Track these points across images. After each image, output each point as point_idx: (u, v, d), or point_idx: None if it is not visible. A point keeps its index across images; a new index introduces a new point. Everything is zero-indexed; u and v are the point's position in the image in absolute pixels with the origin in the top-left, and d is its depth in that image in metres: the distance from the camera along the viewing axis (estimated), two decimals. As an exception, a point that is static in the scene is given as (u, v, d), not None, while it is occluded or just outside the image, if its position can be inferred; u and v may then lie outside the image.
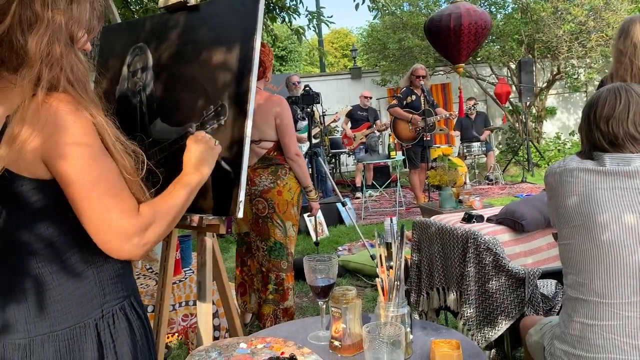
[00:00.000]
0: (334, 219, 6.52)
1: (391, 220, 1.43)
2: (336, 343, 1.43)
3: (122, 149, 1.12)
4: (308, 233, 5.95)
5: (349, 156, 9.97)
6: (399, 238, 1.39)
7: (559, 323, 1.69)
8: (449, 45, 5.82)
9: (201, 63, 1.69)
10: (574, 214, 1.57)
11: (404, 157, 7.01)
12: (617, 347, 1.46)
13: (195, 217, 1.55)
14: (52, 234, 1.05)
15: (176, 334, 2.24)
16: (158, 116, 1.79)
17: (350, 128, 8.74)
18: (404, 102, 6.60)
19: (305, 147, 6.56)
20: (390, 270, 1.39)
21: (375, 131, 8.47)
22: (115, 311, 1.12)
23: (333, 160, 10.19)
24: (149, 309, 2.11)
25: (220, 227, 1.55)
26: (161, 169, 1.44)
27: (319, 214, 6.10)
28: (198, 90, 1.68)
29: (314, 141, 6.87)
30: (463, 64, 6.19)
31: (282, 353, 1.41)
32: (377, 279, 1.40)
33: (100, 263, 1.11)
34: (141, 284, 2.20)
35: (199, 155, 1.35)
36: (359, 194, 8.31)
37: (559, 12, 10.19)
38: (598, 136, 1.58)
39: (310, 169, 4.28)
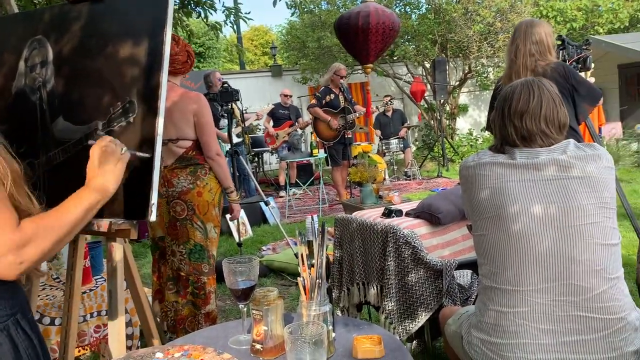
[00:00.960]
0: (258, 218, 6.45)
1: (312, 218, 1.41)
2: (258, 346, 1.39)
3: (3, 150, 1.02)
4: (231, 234, 5.83)
5: (272, 155, 9.91)
6: (320, 236, 1.37)
7: (475, 312, 1.74)
8: (358, 44, 5.87)
9: (107, 57, 1.59)
10: (487, 205, 1.62)
11: (326, 155, 7.07)
12: (528, 332, 1.52)
13: (104, 223, 1.45)
14: None
15: (88, 347, 2.10)
16: (60, 114, 1.66)
17: (273, 126, 8.68)
18: (323, 101, 6.65)
19: (227, 146, 6.42)
20: (312, 268, 1.36)
21: (298, 129, 8.47)
22: None
23: (256, 159, 10.09)
24: (57, 321, 1.96)
25: (131, 231, 1.46)
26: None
27: (242, 213, 6.01)
28: (104, 86, 1.58)
29: (235, 140, 6.75)
30: (371, 64, 6.28)
31: (201, 360, 1.35)
32: (298, 277, 1.38)
33: None
34: (47, 295, 2.04)
35: (106, 168, 1.24)
36: (282, 193, 8.29)
37: (469, 14, 10.68)
38: (511, 131, 1.64)
39: (231, 169, 4.18)
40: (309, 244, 1.39)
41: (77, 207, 1.13)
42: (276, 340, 1.38)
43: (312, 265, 1.36)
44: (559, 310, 1.52)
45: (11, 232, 0.96)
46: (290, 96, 8.96)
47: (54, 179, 1.59)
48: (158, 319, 3.04)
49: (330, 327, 1.37)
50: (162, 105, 1.47)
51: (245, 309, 1.49)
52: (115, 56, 1.57)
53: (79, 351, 2.13)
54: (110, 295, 1.51)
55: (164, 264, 2.98)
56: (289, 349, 1.24)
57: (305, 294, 1.36)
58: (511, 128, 1.65)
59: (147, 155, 1.45)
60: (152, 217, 1.43)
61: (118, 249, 1.52)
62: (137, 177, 1.47)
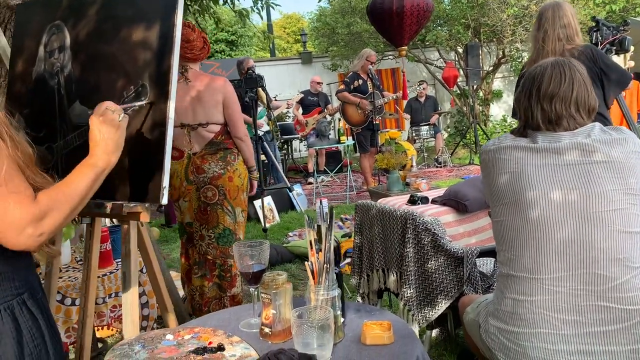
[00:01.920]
0: (286, 205, 6.47)
1: (320, 202, 1.39)
2: (266, 330, 1.39)
3: (15, 134, 1.04)
4: (258, 220, 5.88)
5: (301, 142, 9.91)
6: (328, 220, 1.35)
7: (492, 300, 1.70)
8: (392, 28, 5.80)
9: (121, 41, 1.59)
10: (505, 191, 1.57)
11: (354, 142, 7.04)
12: (547, 322, 1.48)
13: (116, 205, 1.46)
14: None
15: (106, 327, 2.15)
16: (77, 98, 1.68)
17: (302, 114, 8.67)
18: (351, 87, 6.67)
19: (261, 132, 6.45)
20: (320, 252, 1.35)
21: (327, 116, 8.44)
22: None
23: (285, 146, 10.11)
24: (77, 302, 2.01)
25: (144, 214, 1.47)
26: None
27: (270, 200, 6.04)
28: (118, 70, 1.59)
29: (266, 128, 6.76)
30: (406, 47, 6.20)
31: (210, 343, 1.36)
32: (306, 262, 1.36)
33: None
34: (69, 277, 2.09)
35: (106, 137, 1.24)
36: (311, 180, 8.29)
37: (503, -3, 10.40)
38: (537, 114, 1.57)
39: (255, 154, 4.21)
40: (318, 229, 1.38)
41: (84, 178, 1.15)
42: (285, 324, 1.38)
43: (320, 250, 1.34)
44: (579, 299, 1.46)
45: (29, 206, 1.00)
46: (321, 83, 8.91)
47: (71, 162, 1.61)
48: (185, 302, 3.10)
49: (339, 312, 1.35)
50: (173, 88, 1.47)
51: (255, 293, 1.49)
52: (129, 40, 1.57)
53: (98, 331, 2.18)
54: (124, 277, 1.53)
55: (192, 249, 3.04)
56: (295, 332, 1.23)
57: (314, 279, 1.35)
58: (538, 111, 1.57)
59: (142, 102, 1.47)
60: (163, 200, 1.44)
61: (132, 232, 1.54)
62: (149, 160, 1.47)
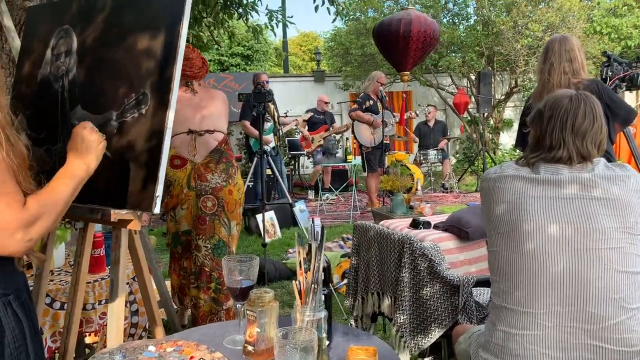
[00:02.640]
0: (288, 221, 6.45)
1: (313, 221, 1.38)
2: (250, 348, 1.36)
3: (13, 136, 1.05)
4: (260, 234, 5.85)
5: (308, 158, 9.91)
6: (319, 240, 1.33)
7: (484, 331, 1.67)
8: (397, 52, 5.82)
9: (126, 49, 1.60)
10: (502, 221, 1.55)
11: (360, 162, 7.08)
12: (536, 358, 1.44)
13: (107, 212, 1.45)
14: None
15: (93, 333, 2.13)
16: (79, 103, 1.69)
17: (308, 130, 8.69)
18: (363, 107, 6.82)
19: (268, 148, 6.47)
20: (309, 272, 1.33)
21: (334, 134, 8.46)
22: None
23: (292, 162, 10.11)
24: (66, 306, 1.99)
25: (134, 222, 1.46)
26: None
27: (272, 214, 6.03)
28: (121, 77, 1.59)
29: (273, 144, 6.79)
30: (408, 73, 6.23)
31: (192, 357, 1.33)
32: (294, 281, 1.34)
33: None
34: (61, 280, 2.07)
35: (87, 145, 1.28)
36: (310, 195, 8.32)
37: (518, 27, 10.42)
38: (571, 148, 1.51)
39: (260, 168, 4.22)
40: (309, 248, 1.36)
41: (69, 184, 1.18)
42: (268, 343, 1.35)
43: (309, 269, 1.32)
44: (571, 337, 1.43)
45: (19, 212, 1.01)
46: (328, 103, 8.95)
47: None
48: (176, 314, 3.08)
49: (324, 335, 1.33)
50: (173, 98, 1.47)
51: (242, 309, 1.47)
52: (134, 48, 1.58)
53: (86, 337, 2.16)
54: (112, 283, 1.51)
55: (188, 259, 3.02)
56: (277, 353, 1.21)
57: (301, 299, 1.33)
58: (571, 145, 1.51)
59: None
60: (156, 210, 1.43)
61: (123, 239, 1.52)
62: (143, 168, 1.47)
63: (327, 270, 1.38)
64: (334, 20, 6.99)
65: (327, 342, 1.36)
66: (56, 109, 1.74)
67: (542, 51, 2.79)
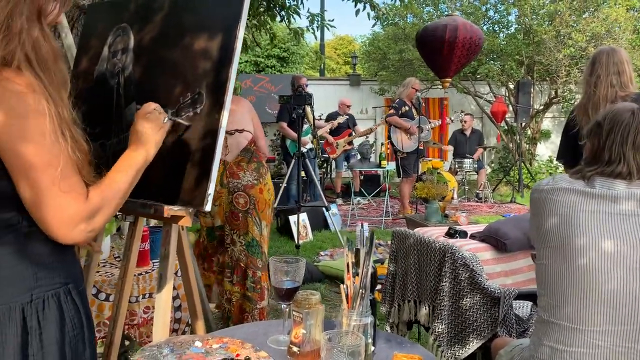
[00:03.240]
0: (320, 223, 6.46)
1: (362, 225, 1.38)
2: (294, 349, 1.37)
3: (76, 132, 1.08)
4: (291, 235, 5.88)
5: (334, 165, 9.88)
6: (368, 245, 1.34)
7: (529, 346, 1.64)
8: (441, 59, 5.78)
9: (182, 48, 1.63)
10: (553, 234, 1.52)
11: (393, 169, 7.08)
12: (585, 376, 1.41)
13: (160, 207, 1.48)
14: None
15: (136, 326, 2.17)
16: (134, 100, 1.72)
17: (331, 135, 8.66)
18: (400, 112, 6.88)
19: (305, 149, 6.52)
20: (357, 277, 1.33)
21: (366, 136, 8.44)
22: (47, 297, 1.06)
23: (324, 165, 10.12)
24: (111, 298, 2.04)
25: (186, 218, 1.49)
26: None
27: (304, 217, 6.05)
28: (177, 76, 1.62)
29: (310, 145, 6.83)
30: (450, 79, 6.18)
31: (237, 355, 1.35)
32: (342, 285, 1.35)
33: (37, 246, 1.05)
34: (106, 272, 2.13)
35: (148, 132, 1.31)
36: (339, 200, 8.34)
37: (561, 37, 10.22)
38: (631, 162, 1.47)
39: (297, 171, 4.24)
40: (357, 252, 1.36)
41: (128, 172, 1.21)
42: (314, 345, 1.35)
43: (357, 274, 1.32)
44: (624, 357, 1.39)
45: (83, 205, 1.05)
46: (350, 106, 8.91)
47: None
48: (211, 310, 3.12)
49: (370, 340, 1.33)
50: (228, 98, 1.49)
51: (287, 310, 1.48)
52: (190, 48, 1.61)
53: (128, 329, 2.20)
54: (160, 278, 1.54)
55: (223, 254, 3.08)
56: (324, 355, 1.21)
57: (347, 303, 1.33)
58: (631, 160, 1.44)
59: (186, 123, 1.51)
60: (207, 207, 1.45)
61: (173, 234, 1.55)
62: (197, 166, 1.50)
63: (373, 276, 1.38)
64: (374, 25, 7.00)
65: (372, 348, 1.36)
66: (111, 105, 1.78)
67: (588, 63, 2.72)
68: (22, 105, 0.97)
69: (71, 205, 1.02)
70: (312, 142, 6.77)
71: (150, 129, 1.32)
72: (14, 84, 0.97)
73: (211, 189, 1.46)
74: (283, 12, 4.98)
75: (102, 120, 1.80)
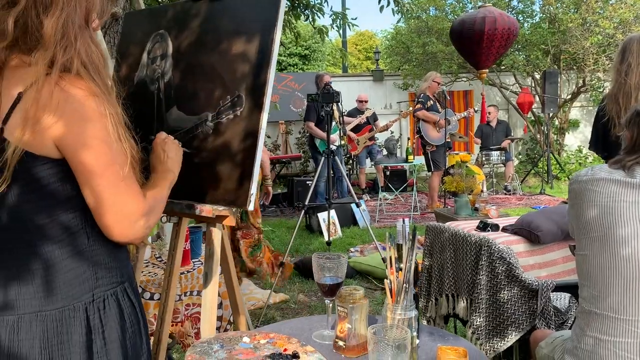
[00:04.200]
0: (348, 220, 6.49)
1: (403, 221, 1.40)
2: (340, 343, 1.40)
3: (129, 134, 1.13)
4: (321, 232, 5.93)
5: (352, 160, 9.89)
6: (411, 240, 1.36)
7: (571, 337, 1.64)
8: (480, 50, 5.76)
9: (220, 53, 1.68)
10: (594, 224, 1.52)
11: (421, 163, 7.07)
12: (631, 366, 1.41)
13: (206, 208, 1.53)
14: (52, 213, 1.05)
15: (180, 324, 2.23)
16: (175, 104, 1.78)
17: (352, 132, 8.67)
18: (426, 106, 6.91)
19: (334, 147, 6.55)
20: (400, 272, 1.36)
21: (391, 132, 8.43)
22: (106, 296, 1.12)
23: (350, 161, 10.13)
24: (155, 297, 2.11)
25: (230, 218, 1.53)
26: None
27: (333, 213, 6.08)
28: (216, 80, 1.67)
29: (338, 143, 6.86)
30: (487, 70, 6.14)
31: (285, 350, 1.38)
32: (385, 280, 1.37)
33: (96, 247, 1.11)
34: (149, 272, 2.19)
35: (174, 156, 1.40)
36: (366, 197, 8.36)
37: (587, 24, 10.02)
38: None
39: (327, 168, 4.27)
40: (399, 248, 1.39)
41: (165, 186, 1.30)
42: (359, 339, 1.39)
43: (400, 269, 1.35)
44: (669, 346, 1.39)
45: (142, 202, 1.12)
46: (366, 102, 8.89)
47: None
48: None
49: (415, 334, 1.35)
50: (267, 101, 1.53)
51: (330, 305, 1.51)
52: (228, 52, 1.65)
53: (172, 326, 2.27)
54: (206, 277, 1.59)
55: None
56: (371, 349, 1.24)
57: (392, 297, 1.36)
58: None
59: (188, 151, 1.58)
60: (250, 206, 1.49)
61: (217, 234, 1.60)
62: (239, 167, 1.54)
63: (415, 271, 1.40)
64: (399, 20, 6.98)
65: (417, 341, 1.38)
66: (152, 109, 1.84)
67: (618, 51, 2.66)
68: (86, 109, 1.03)
69: (133, 201, 1.09)
70: (340, 139, 6.80)
71: (171, 151, 1.41)
72: (77, 89, 1.02)
73: (253, 189, 1.50)
74: (307, 11, 5.01)
75: (144, 125, 1.85)
